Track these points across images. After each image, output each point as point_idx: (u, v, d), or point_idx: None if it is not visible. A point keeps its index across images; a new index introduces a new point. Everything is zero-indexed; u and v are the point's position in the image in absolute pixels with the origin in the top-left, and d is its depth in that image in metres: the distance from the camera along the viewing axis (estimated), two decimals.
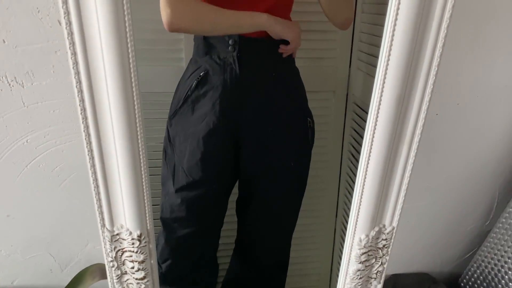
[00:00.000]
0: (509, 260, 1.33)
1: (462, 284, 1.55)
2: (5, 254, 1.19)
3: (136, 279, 0.82)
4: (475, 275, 1.49)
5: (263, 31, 0.87)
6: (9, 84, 0.93)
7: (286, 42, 0.90)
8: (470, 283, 1.52)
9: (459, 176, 1.31)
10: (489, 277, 1.42)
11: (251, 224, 1.11)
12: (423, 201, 1.35)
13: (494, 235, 1.38)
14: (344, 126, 1.27)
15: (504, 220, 1.34)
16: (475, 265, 1.49)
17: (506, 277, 1.34)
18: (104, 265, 0.83)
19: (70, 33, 0.60)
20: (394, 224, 0.82)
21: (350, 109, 1.23)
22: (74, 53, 0.62)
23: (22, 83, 0.94)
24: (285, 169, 0.99)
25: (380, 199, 0.78)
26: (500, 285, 1.37)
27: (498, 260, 1.37)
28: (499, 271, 1.38)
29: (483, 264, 1.45)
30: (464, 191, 1.36)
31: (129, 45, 0.62)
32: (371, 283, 0.89)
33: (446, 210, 1.39)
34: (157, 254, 1.03)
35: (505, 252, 1.35)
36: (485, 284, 1.44)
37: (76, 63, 0.62)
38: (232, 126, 0.91)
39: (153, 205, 0.78)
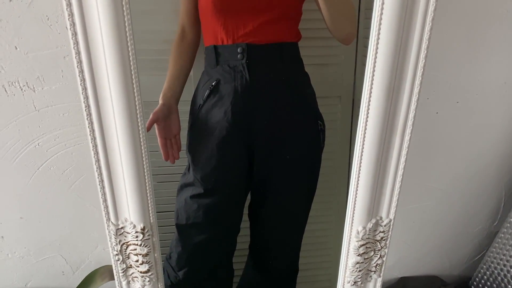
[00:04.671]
0: None
1: (472, 287, 1.54)
2: (19, 256, 1.22)
3: (141, 272, 0.85)
4: (485, 277, 1.47)
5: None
6: (21, 89, 0.98)
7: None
8: (480, 285, 1.50)
9: (463, 175, 1.31)
10: (499, 278, 1.40)
11: (264, 227, 1.13)
12: (428, 201, 1.35)
13: (503, 235, 1.37)
14: (351, 131, 1.28)
15: (511, 220, 1.33)
16: (484, 267, 1.47)
17: None
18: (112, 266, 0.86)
19: (74, 34, 0.65)
20: (391, 216, 0.83)
21: (357, 114, 1.24)
22: (78, 53, 0.66)
23: (33, 87, 0.98)
24: (297, 170, 1.01)
25: (376, 191, 0.80)
26: (510, 287, 1.35)
27: (507, 261, 1.36)
28: (508, 272, 1.36)
29: (492, 265, 1.43)
30: (470, 191, 1.36)
31: (128, 39, 0.66)
32: (371, 276, 0.89)
33: (452, 211, 1.39)
34: (173, 262, 1.06)
35: None
36: (495, 286, 1.43)
37: (80, 62, 0.66)
38: (244, 132, 0.93)
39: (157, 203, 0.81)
